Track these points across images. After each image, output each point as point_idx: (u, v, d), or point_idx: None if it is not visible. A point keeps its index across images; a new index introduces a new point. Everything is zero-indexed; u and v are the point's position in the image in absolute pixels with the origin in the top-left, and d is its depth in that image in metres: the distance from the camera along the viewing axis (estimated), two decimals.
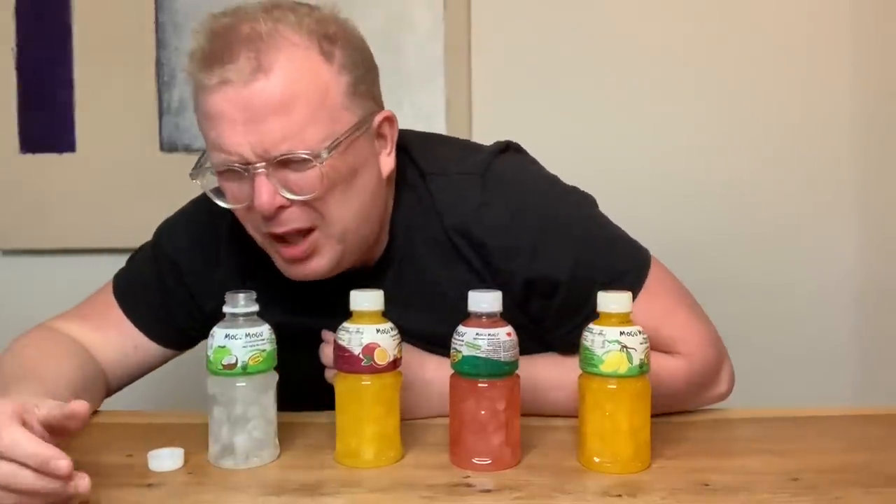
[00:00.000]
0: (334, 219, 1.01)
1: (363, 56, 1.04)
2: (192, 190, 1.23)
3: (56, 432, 0.83)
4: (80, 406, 0.83)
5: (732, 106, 1.77)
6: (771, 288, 1.79)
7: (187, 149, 1.78)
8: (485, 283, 1.05)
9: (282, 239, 1.02)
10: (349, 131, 1.00)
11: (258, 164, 0.97)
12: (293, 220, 1.00)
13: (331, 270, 1.05)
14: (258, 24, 0.97)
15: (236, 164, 0.98)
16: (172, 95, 1.78)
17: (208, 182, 1.04)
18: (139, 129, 1.79)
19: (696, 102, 1.77)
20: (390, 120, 1.06)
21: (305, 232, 1.01)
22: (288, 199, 0.98)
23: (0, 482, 0.78)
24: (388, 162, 1.07)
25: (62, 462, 0.78)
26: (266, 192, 0.97)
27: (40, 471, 0.78)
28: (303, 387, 1.05)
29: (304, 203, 0.99)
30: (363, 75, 1.03)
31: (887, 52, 1.76)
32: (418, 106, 1.76)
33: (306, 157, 0.96)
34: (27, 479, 0.78)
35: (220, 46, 0.96)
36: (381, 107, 1.06)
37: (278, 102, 0.95)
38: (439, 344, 1.05)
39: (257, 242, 1.06)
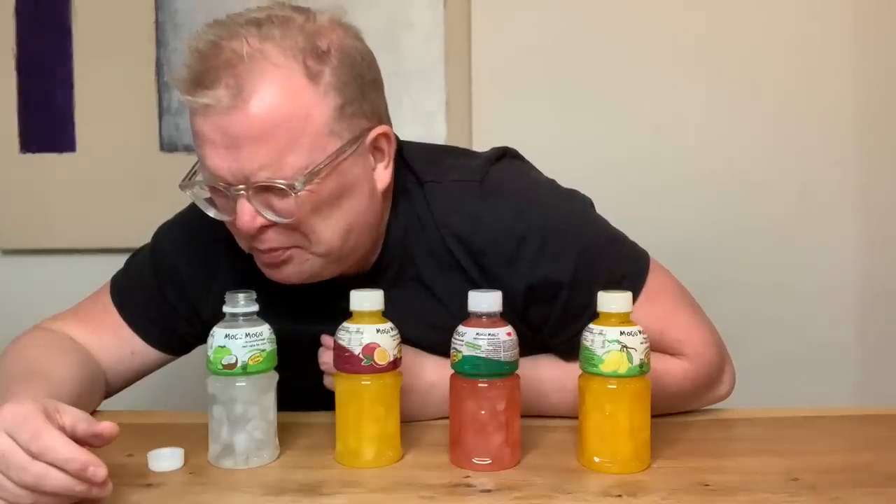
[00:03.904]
0: (318, 239, 1.01)
1: (359, 71, 1.01)
2: None
3: (76, 441, 0.82)
4: (110, 429, 0.83)
5: (733, 106, 1.77)
6: (771, 288, 1.79)
7: (187, 149, 1.77)
8: None
9: (259, 250, 1.03)
10: (333, 155, 0.98)
11: (239, 187, 0.97)
12: (275, 239, 1.01)
13: (308, 279, 1.05)
14: (242, 43, 0.95)
15: (220, 185, 0.98)
16: (172, 95, 1.78)
17: (199, 193, 1.04)
18: (139, 129, 1.79)
19: (696, 102, 1.77)
20: (387, 136, 1.04)
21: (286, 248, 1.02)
22: (270, 220, 0.98)
23: (29, 482, 0.78)
24: (384, 175, 1.05)
25: (100, 470, 0.79)
26: (247, 213, 0.97)
27: (77, 476, 0.78)
28: (302, 392, 1.05)
29: (286, 225, 0.99)
30: (355, 93, 0.99)
31: (889, 51, 1.76)
32: (418, 106, 1.76)
33: (283, 186, 0.96)
34: (58, 481, 0.78)
35: (202, 69, 0.95)
36: (378, 122, 1.03)
37: (257, 132, 0.94)
38: (436, 351, 1.06)
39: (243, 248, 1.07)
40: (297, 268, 1.03)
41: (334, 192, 1.00)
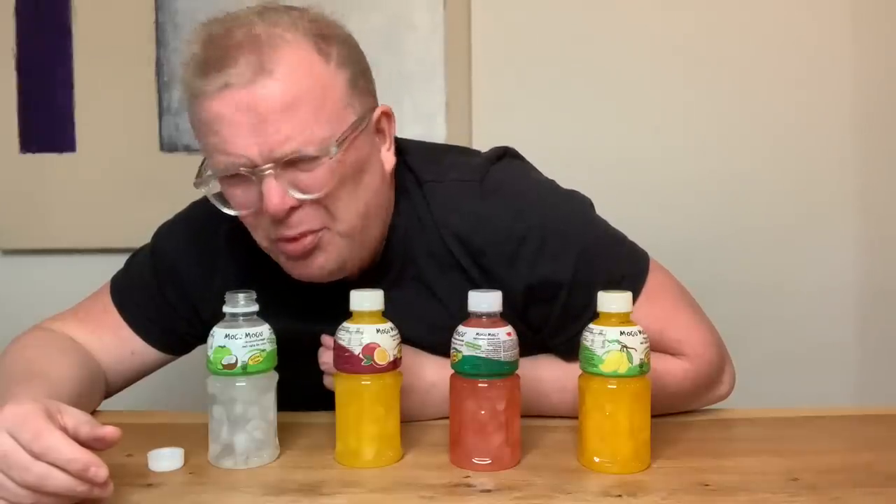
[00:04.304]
0: (344, 217, 1.01)
1: (357, 53, 1.04)
2: (193, 191, 1.23)
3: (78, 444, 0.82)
4: (113, 433, 0.83)
5: (732, 106, 1.77)
6: (771, 288, 1.79)
7: (187, 149, 1.77)
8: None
9: (287, 237, 1.01)
10: (352, 127, 1.00)
11: (266, 167, 0.96)
12: (304, 221, 1.00)
13: (336, 269, 1.04)
14: (253, 27, 0.96)
15: (242, 168, 0.97)
16: (172, 95, 1.78)
17: (213, 189, 1.03)
18: (139, 129, 1.79)
19: (696, 102, 1.77)
20: (388, 115, 1.06)
21: (315, 232, 1.01)
22: (298, 199, 0.98)
23: (32, 483, 0.78)
24: (388, 157, 1.07)
25: (102, 470, 0.79)
26: (276, 194, 0.96)
27: (79, 477, 0.78)
28: (302, 392, 1.05)
29: (314, 203, 0.99)
30: (359, 72, 1.03)
31: (888, 51, 1.76)
32: (418, 106, 1.76)
33: (315, 154, 0.96)
34: (59, 481, 0.78)
35: (217, 52, 0.96)
36: (377, 102, 1.06)
37: (282, 103, 0.95)
38: (436, 351, 1.05)
39: (262, 248, 1.05)
40: (327, 255, 1.02)
41: (355, 165, 1.01)
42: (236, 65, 0.94)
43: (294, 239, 1.00)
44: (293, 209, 0.98)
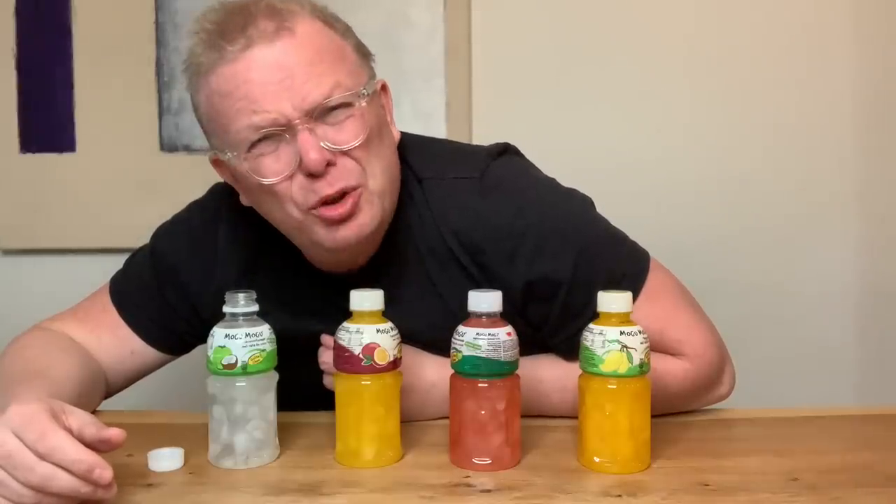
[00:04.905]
0: (376, 172, 1.02)
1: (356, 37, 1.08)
2: (193, 190, 1.23)
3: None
4: (118, 435, 0.83)
5: (733, 106, 1.77)
6: (771, 288, 1.79)
7: (187, 149, 1.78)
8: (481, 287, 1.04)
9: (324, 203, 1.00)
10: (367, 86, 1.03)
11: (299, 122, 0.97)
12: (341, 177, 1.00)
13: (375, 231, 1.04)
14: (261, 2, 1.00)
15: (273, 128, 0.98)
16: (172, 95, 1.78)
17: (238, 166, 1.01)
18: (139, 129, 1.79)
19: (696, 103, 1.77)
20: (385, 88, 1.09)
21: (350, 191, 1.01)
22: (333, 150, 0.99)
23: (36, 483, 0.78)
24: (394, 130, 1.10)
25: (107, 472, 0.79)
26: (313, 147, 0.97)
27: (83, 478, 0.78)
28: (302, 392, 1.05)
29: (349, 159, 1.00)
30: (360, 44, 1.06)
31: (889, 51, 1.76)
32: (418, 106, 1.76)
33: (346, 101, 0.99)
34: (64, 482, 0.78)
35: (236, 18, 0.98)
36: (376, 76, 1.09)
37: (307, 56, 0.98)
38: (436, 347, 1.05)
39: (291, 226, 1.04)
40: (364, 214, 1.02)
41: (376, 122, 1.03)
42: (257, 25, 0.97)
43: (334, 202, 1.00)
44: (329, 165, 0.99)
